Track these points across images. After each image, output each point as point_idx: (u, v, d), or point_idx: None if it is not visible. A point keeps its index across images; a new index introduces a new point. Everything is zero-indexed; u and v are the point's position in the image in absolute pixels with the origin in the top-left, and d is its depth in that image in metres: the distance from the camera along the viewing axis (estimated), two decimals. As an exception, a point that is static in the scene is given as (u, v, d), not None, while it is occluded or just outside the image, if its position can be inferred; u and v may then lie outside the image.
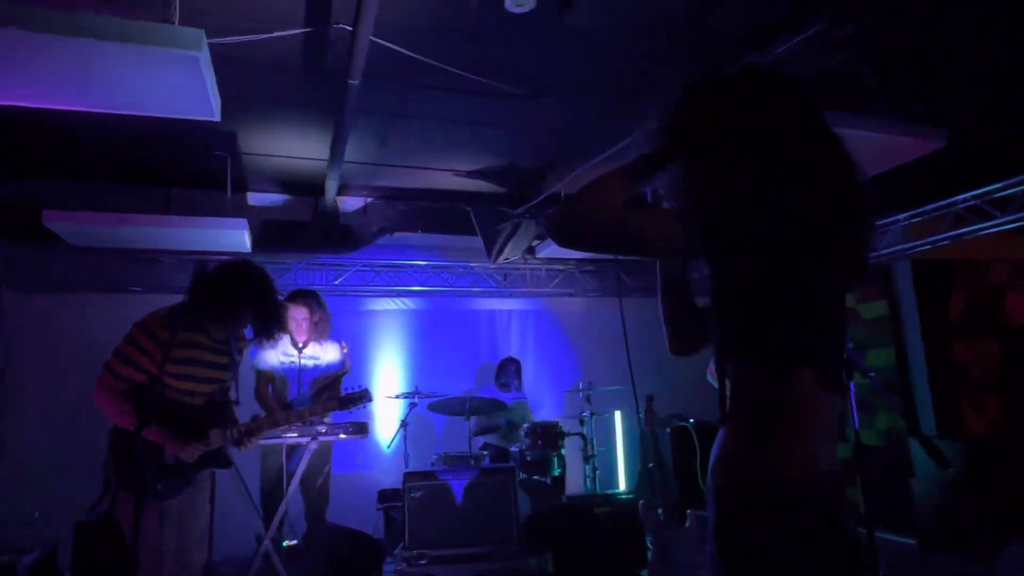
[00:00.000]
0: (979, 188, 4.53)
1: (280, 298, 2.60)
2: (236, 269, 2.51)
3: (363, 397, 3.20)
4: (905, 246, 5.07)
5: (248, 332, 2.70)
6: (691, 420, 5.84)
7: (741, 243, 1.17)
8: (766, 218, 1.15)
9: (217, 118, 2.77)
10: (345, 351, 4.04)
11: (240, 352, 2.75)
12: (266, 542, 3.41)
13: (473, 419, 4.80)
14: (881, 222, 5.23)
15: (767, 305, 1.19)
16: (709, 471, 1.22)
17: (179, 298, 2.36)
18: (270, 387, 3.93)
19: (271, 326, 2.54)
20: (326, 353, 3.96)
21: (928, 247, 4.95)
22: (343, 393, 3.23)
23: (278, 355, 3.85)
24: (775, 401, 1.18)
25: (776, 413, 1.18)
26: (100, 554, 3.52)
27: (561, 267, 6.41)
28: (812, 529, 1.13)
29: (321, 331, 3.92)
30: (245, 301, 2.45)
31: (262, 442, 2.85)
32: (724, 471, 1.19)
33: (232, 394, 2.72)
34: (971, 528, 4.34)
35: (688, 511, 3.57)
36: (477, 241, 5.43)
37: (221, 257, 5.30)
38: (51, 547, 3.51)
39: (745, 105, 1.26)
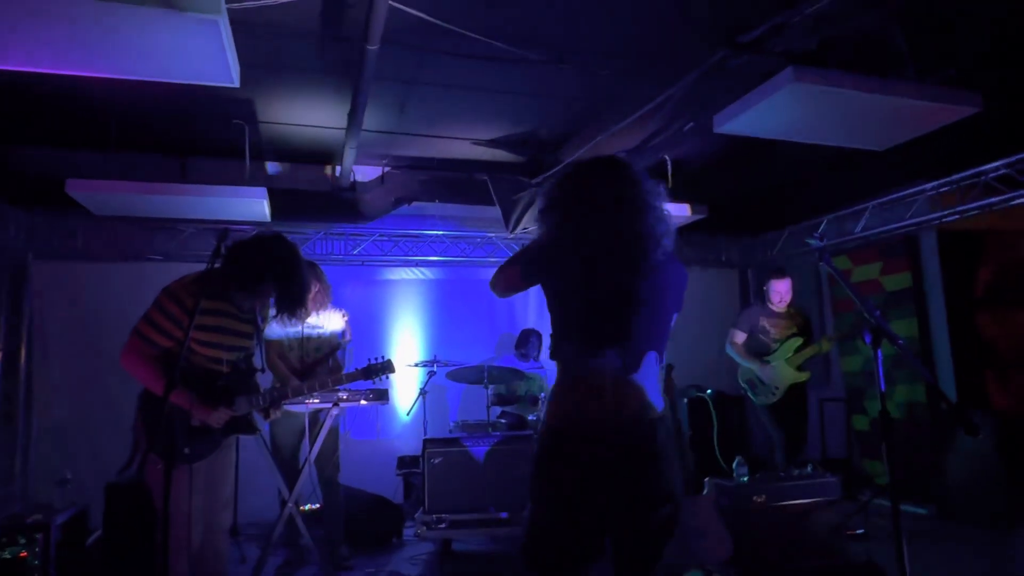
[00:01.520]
0: (1010, 156, 4.40)
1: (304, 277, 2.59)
2: (268, 242, 2.51)
3: (386, 368, 3.22)
4: (932, 216, 4.97)
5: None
6: (709, 391, 5.84)
7: (537, 271, 1.91)
8: (546, 254, 1.89)
9: (236, 83, 2.76)
10: (346, 319, 4.08)
11: (264, 320, 2.78)
12: (290, 505, 3.49)
13: (491, 388, 4.84)
14: (908, 191, 5.12)
15: (555, 309, 1.88)
16: None
17: (200, 266, 2.37)
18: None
19: (296, 304, 2.55)
20: (328, 322, 4.01)
21: (957, 217, 4.84)
22: (366, 363, 3.25)
23: (282, 324, 3.89)
24: (558, 372, 1.86)
25: (557, 383, 1.87)
26: (130, 515, 3.62)
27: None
28: (550, 455, 1.80)
29: (320, 301, 3.95)
30: (272, 275, 2.46)
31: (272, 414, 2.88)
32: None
33: (257, 362, 2.75)
34: (990, 499, 4.33)
35: (705, 479, 3.59)
36: (495, 211, 5.40)
37: (241, 227, 5.36)
38: (82, 507, 3.61)
39: (560, 183, 1.90)
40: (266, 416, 2.77)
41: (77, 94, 3.98)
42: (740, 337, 4.67)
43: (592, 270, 1.77)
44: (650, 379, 1.80)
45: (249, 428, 2.67)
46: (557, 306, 1.87)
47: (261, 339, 2.74)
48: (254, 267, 2.43)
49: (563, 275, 1.83)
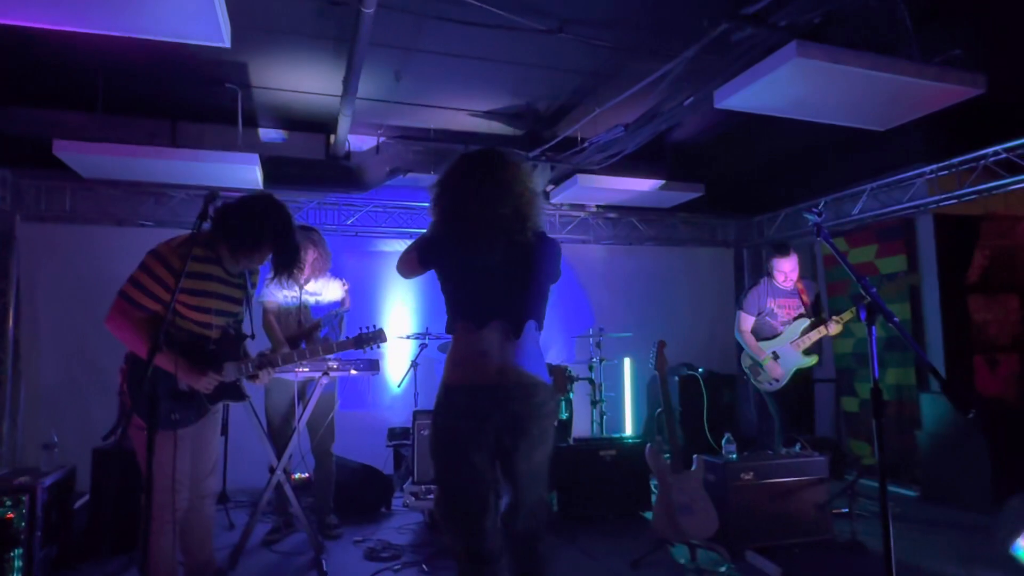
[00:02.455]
0: (1011, 141, 4.37)
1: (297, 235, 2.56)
2: (258, 202, 2.47)
3: (378, 337, 3.18)
4: (929, 200, 4.94)
5: (264, 268, 2.69)
6: (700, 369, 5.87)
7: (428, 256, 2.15)
8: (433, 241, 2.13)
9: (227, 44, 2.69)
10: (346, 289, 4.04)
11: (253, 285, 2.74)
12: (278, 472, 3.49)
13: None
14: (906, 174, 5.09)
15: (446, 288, 2.14)
16: None
17: (188, 231, 2.31)
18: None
19: (291, 263, 2.51)
20: (327, 290, 3.97)
21: (954, 201, 4.81)
22: (358, 332, 3.21)
23: (281, 290, 3.87)
24: (453, 342, 2.12)
25: (451, 351, 2.12)
26: (117, 479, 3.62)
27: (576, 213, 6.33)
28: (445, 410, 2.07)
29: (320, 268, 3.92)
30: (266, 235, 2.42)
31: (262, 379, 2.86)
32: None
33: (247, 328, 2.71)
34: (975, 481, 4.38)
35: (694, 455, 3.61)
36: (490, 184, 5.34)
37: (232, 193, 5.28)
38: (69, 470, 3.60)
39: (444, 176, 2.12)
40: (253, 380, 2.74)
41: (63, 53, 3.89)
42: (748, 322, 4.39)
43: (470, 253, 2.04)
44: (530, 344, 2.09)
45: (238, 395, 2.65)
46: (447, 287, 2.14)
47: (251, 305, 2.70)
48: (248, 229, 2.39)
49: (448, 259, 2.11)
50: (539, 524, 2.11)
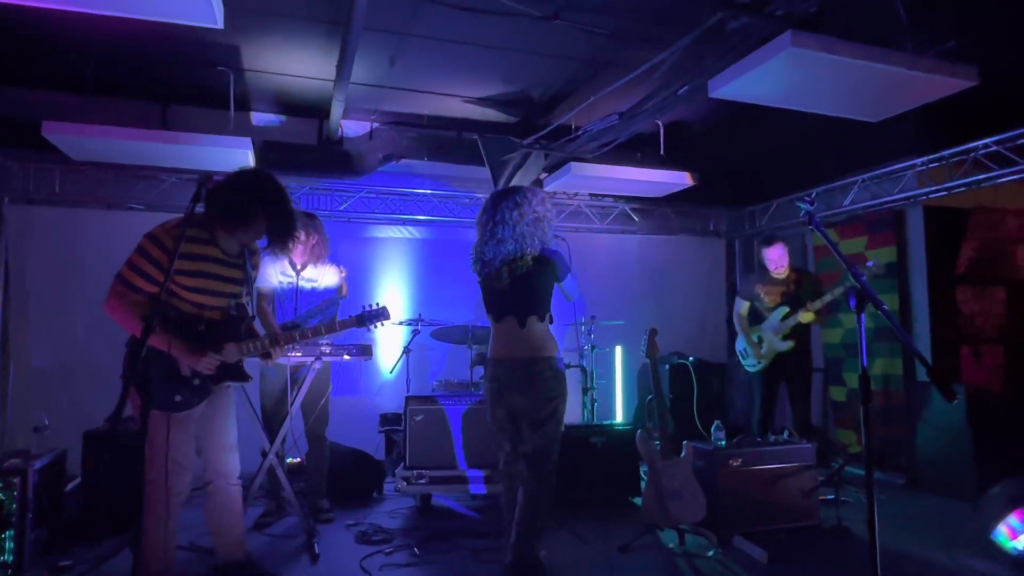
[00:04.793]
0: (1001, 133, 4.40)
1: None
2: (249, 174, 2.48)
3: (381, 315, 3.10)
4: (919, 191, 4.98)
5: (260, 243, 2.67)
6: (691, 358, 5.91)
7: (475, 272, 3.18)
8: (473, 263, 3.15)
9: (220, 25, 2.67)
10: (343, 275, 4.03)
11: (255, 267, 2.73)
12: (270, 456, 3.50)
13: (475, 348, 4.84)
14: (897, 166, 5.12)
15: (483, 296, 3.10)
16: None
17: (180, 217, 2.31)
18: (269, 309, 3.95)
19: (286, 234, 2.50)
20: (324, 276, 3.96)
21: (944, 193, 4.85)
22: (361, 310, 3.16)
23: (277, 275, 3.85)
24: (492, 331, 3.05)
25: (491, 337, 3.05)
26: (108, 462, 3.62)
27: (568, 201, 6.34)
28: (485, 375, 3.07)
29: (318, 254, 3.90)
30: (259, 206, 2.42)
31: (263, 362, 2.85)
32: None
33: (250, 309, 2.70)
34: (960, 470, 4.45)
35: (684, 442, 3.64)
36: (484, 172, 5.33)
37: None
38: (60, 453, 3.60)
39: (481, 211, 3.09)
40: (265, 359, 2.72)
41: (54, 33, 3.84)
42: (742, 307, 4.75)
43: (489, 282, 2.97)
44: (532, 330, 2.91)
45: (240, 375, 2.64)
46: (483, 293, 3.06)
47: (251, 287, 2.69)
48: (238, 203, 2.39)
49: (480, 276, 3.03)
50: (536, 466, 2.85)
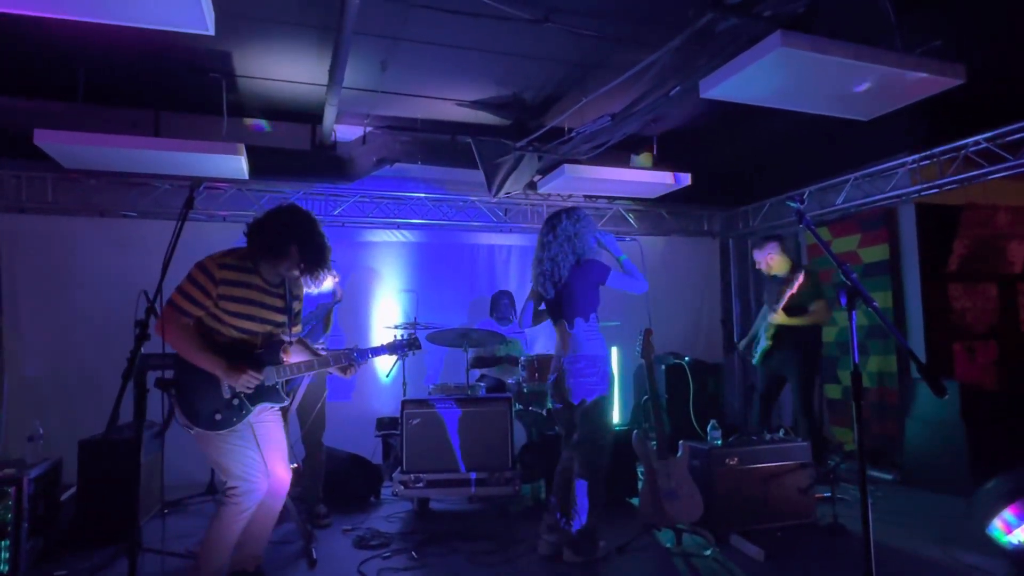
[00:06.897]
0: (990, 131, 4.43)
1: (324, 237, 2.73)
2: (282, 211, 2.69)
3: (412, 345, 3.16)
4: (911, 189, 5.01)
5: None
6: (687, 358, 5.92)
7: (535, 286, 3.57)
8: (533, 278, 3.57)
9: (211, 31, 2.67)
10: (337, 280, 4.04)
11: (298, 299, 2.87)
12: (266, 463, 3.48)
13: (471, 351, 4.84)
14: (888, 164, 5.15)
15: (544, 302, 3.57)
16: None
17: (173, 224, 2.39)
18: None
19: (316, 265, 2.67)
20: None
21: (936, 191, 4.88)
22: (393, 339, 3.19)
23: (308, 283, 3.87)
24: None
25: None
26: (104, 471, 3.61)
27: (564, 203, 6.35)
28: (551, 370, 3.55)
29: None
30: (291, 238, 2.60)
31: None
32: None
33: (286, 337, 2.82)
34: (954, 466, 4.47)
35: (680, 442, 3.65)
36: (478, 175, 5.34)
37: (218, 183, 5.24)
38: (56, 462, 3.59)
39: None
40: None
41: (44, 41, 3.83)
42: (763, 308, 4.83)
43: (545, 284, 3.40)
44: (579, 330, 3.33)
45: (277, 397, 2.74)
46: (545, 302, 3.50)
47: (292, 317, 2.80)
48: (276, 230, 2.60)
49: (539, 287, 3.45)
50: (583, 452, 3.27)
